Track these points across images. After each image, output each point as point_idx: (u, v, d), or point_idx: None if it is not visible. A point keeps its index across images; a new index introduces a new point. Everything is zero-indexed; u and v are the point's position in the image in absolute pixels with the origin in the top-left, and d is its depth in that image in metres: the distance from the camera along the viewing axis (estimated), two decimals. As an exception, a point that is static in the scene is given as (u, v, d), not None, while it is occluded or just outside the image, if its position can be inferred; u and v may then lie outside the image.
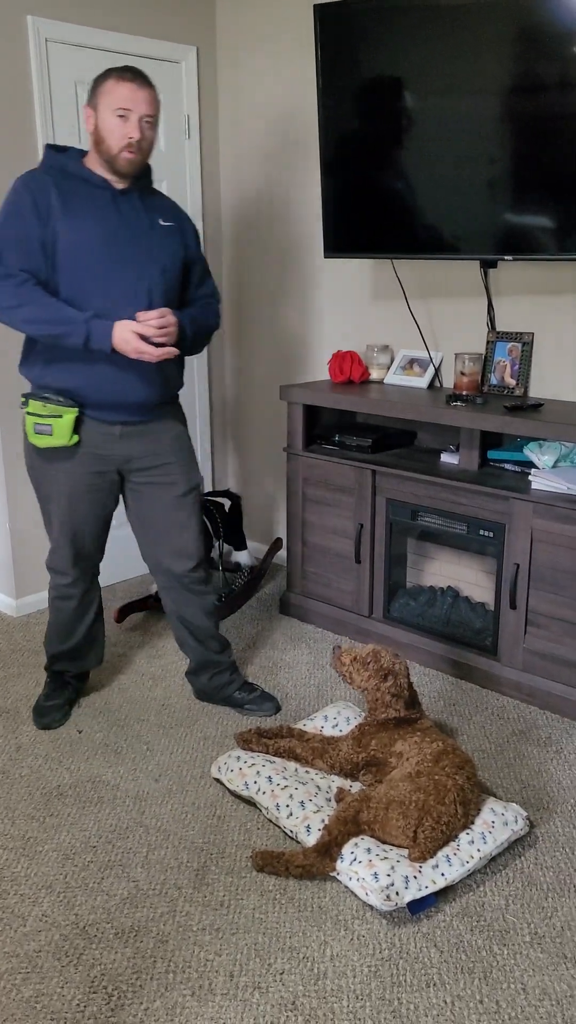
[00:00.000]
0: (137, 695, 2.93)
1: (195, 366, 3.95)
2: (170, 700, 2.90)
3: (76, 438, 2.45)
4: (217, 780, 2.45)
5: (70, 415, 2.42)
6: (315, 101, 3.33)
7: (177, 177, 3.72)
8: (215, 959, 1.87)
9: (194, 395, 3.99)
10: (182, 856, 2.18)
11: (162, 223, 2.46)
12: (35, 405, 2.42)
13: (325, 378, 3.58)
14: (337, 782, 2.36)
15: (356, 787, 2.35)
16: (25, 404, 2.44)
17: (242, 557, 3.82)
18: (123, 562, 3.78)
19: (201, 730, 2.72)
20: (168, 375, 2.52)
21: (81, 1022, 1.72)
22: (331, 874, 2.08)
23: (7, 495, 3.42)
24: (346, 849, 2.07)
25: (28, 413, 2.43)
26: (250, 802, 2.36)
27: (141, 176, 2.43)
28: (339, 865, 2.06)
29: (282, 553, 3.98)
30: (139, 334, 2.29)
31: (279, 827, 2.27)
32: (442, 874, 2.02)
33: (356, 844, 2.07)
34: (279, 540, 3.93)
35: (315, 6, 2.94)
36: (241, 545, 3.81)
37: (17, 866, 2.14)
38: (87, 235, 2.34)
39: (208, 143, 3.81)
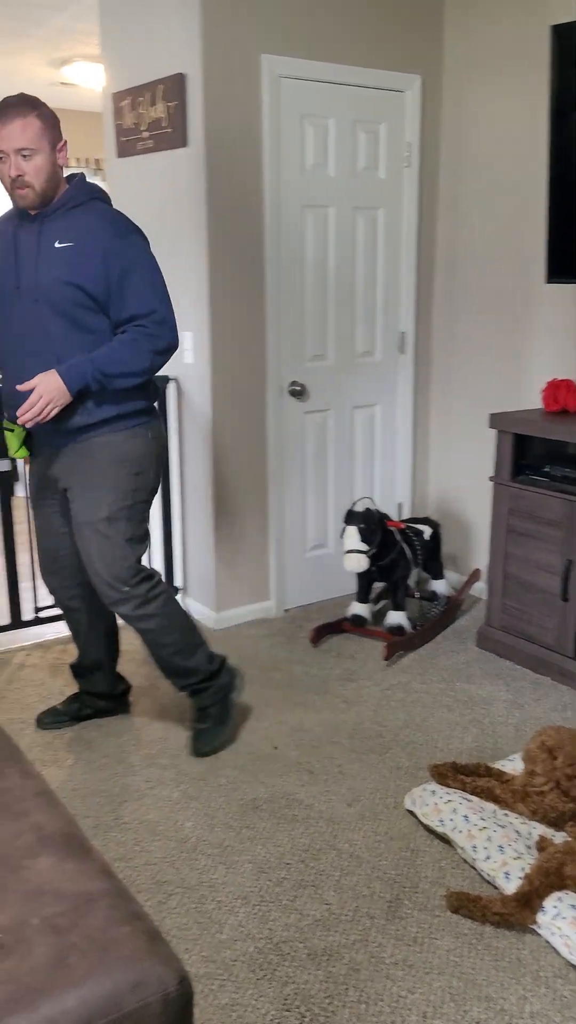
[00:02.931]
0: (330, 717, 2.94)
1: (398, 390, 3.95)
2: (363, 724, 2.89)
3: (24, 452, 2.56)
4: (410, 812, 2.41)
5: (19, 429, 2.52)
6: (541, 126, 3.26)
7: (394, 205, 3.75)
8: (408, 996, 1.83)
9: (396, 419, 3.99)
10: (374, 885, 2.15)
11: (56, 245, 2.32)
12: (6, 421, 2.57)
13: (537, 407, 3.47)
14: (539, 829, 2.26)
15: (560, 836, 2.23)
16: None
17: (439, 586, 3.76)
18: (316, 584, 3.82)
19: (394, 759, 2.69)
20: (64, 412, 2.37)
21: (274, 1039, 1.73)
22: (531, 926, 1.99)
23: (214, 513, 3.55)
24: (548, 902, 1.97)
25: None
26: (444, 839, 2.30)
27: (65, 197, 2.34)
28: (540, 918, 1.96)
29: (479, 584, 3.89)
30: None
31: (475, 869, 2.19)
32: None
33: (560, 899, 1.97)
34: (477, 571, 3.84)
35: (552, 26, 2.88)
36: (439, 574, 3.75)
37: (215, 873, 2.20)
38: None
39: (427, 171, 3.82)
